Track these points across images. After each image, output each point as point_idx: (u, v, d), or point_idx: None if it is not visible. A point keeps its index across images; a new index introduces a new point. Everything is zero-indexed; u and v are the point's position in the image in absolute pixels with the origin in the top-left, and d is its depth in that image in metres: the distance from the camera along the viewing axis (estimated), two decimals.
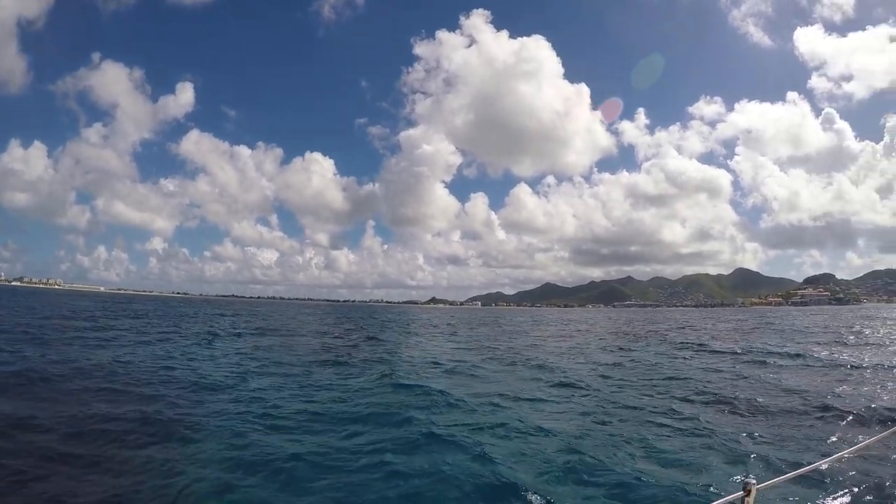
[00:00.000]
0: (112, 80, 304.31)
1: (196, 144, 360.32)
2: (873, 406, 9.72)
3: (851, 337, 26.66)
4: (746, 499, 2.33)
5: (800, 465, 4.99)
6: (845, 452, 3.40)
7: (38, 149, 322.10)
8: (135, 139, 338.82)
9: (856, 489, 5.66)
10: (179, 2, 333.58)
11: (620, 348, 23.48)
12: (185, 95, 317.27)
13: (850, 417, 9.09)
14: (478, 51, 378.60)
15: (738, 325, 45.72)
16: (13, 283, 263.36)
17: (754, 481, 2.32)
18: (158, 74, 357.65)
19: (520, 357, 19.48)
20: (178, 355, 16.61)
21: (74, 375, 11.59)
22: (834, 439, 7.90)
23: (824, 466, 5.23)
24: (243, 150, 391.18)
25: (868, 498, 5.53)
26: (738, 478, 5.93)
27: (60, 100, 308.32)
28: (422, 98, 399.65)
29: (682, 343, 25.31)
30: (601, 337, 32.49)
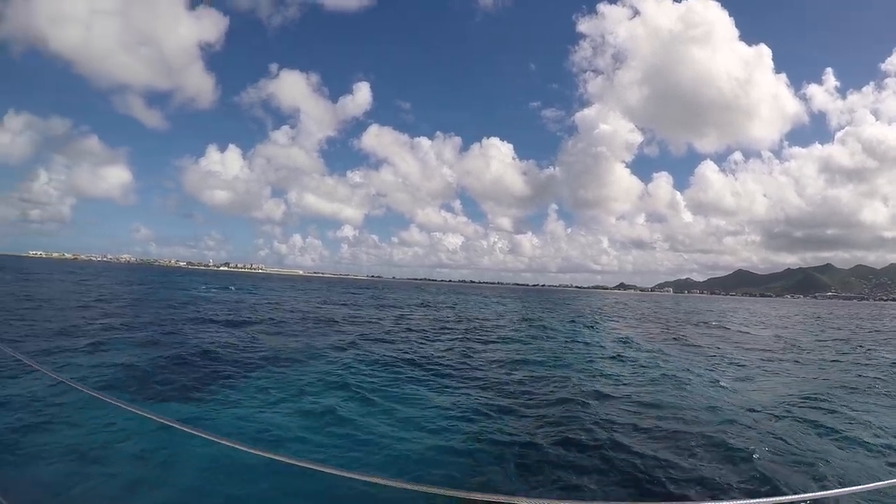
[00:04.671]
0: (291, 87, 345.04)
1: (377, 138, 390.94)
2: None
3: None
4: None
5: None
6: None
7: (233, 152, 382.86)
8: (319, 137, 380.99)
9: None
10: (340, 8, 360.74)
11: None
12: (361, 94, 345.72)
13: None
14: (642, 21, 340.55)
15: None
16: (221, 268, 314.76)
17: None
18: (334, 77, 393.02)
19: None
20: None
21: None
22: None
23: None
24: (423, 141, 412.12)
25: None
26: None
27: (247, 108, 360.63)
28: (592, 76, 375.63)
29: None
30: None
